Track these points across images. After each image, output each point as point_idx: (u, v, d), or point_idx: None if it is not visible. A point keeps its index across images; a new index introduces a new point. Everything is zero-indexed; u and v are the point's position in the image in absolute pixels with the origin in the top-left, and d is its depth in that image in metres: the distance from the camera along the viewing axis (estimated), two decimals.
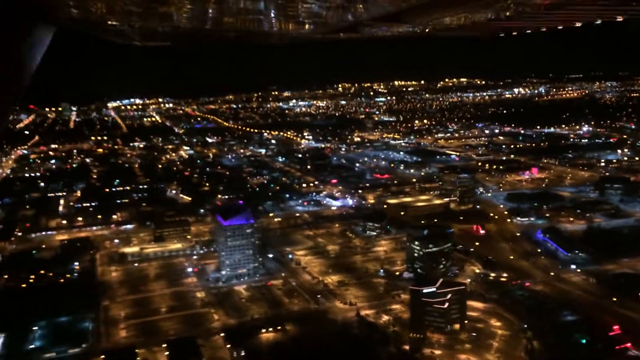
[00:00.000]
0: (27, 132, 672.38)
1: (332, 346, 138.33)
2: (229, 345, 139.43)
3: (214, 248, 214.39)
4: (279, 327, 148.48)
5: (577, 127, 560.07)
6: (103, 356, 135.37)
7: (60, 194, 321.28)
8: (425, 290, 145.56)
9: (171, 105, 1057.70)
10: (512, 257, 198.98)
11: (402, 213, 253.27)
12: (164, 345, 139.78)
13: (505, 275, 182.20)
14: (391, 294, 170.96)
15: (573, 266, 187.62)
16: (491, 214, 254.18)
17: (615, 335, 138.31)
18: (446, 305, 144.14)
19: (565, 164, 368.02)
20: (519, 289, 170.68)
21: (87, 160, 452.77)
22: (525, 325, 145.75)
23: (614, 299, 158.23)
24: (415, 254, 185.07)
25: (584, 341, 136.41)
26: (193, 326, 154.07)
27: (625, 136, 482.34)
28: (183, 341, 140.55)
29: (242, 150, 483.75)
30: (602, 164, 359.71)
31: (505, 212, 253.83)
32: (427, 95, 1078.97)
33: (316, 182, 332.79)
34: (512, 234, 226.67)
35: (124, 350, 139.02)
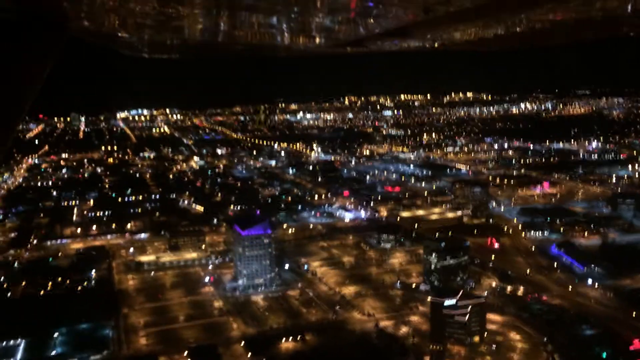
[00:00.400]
0: (37, 142, 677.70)
1: (353, 356, 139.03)
2: (250, 354, 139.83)
3: (229, 258, 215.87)
4: (298, 337, 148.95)
5: (586, 142, 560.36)
6: None
7: (74, 202, 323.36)
8: (446, 302, 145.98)
9: (179, 116, 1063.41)
10: (528, 271, 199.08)
11: (416, 226, 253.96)
12: (185, 353, 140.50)
13: (522, 288, 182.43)
14: (409, 305, 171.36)
15: (590, 281, 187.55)
16: (505, 228, 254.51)
17: (636, 350, 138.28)
18: (467, 317, 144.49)
19: (577, 179, 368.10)
20: (536, 302, 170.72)
21: (99, 170, 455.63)
22: (545, 339, 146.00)
23: (634, 314, 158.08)
24: (433, 266, 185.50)
25: (604, 355, 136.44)
26: (212, 334, 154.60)
27: (635, 152, 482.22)
28: (204, 349, 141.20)
29: (252, 162, 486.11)
30: (613, 180, 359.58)
31: (519, 226, 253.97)
32: (434, 109, 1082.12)
33: (328, 194, 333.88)
34: (526, 248, 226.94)
35: (145, 357, 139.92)
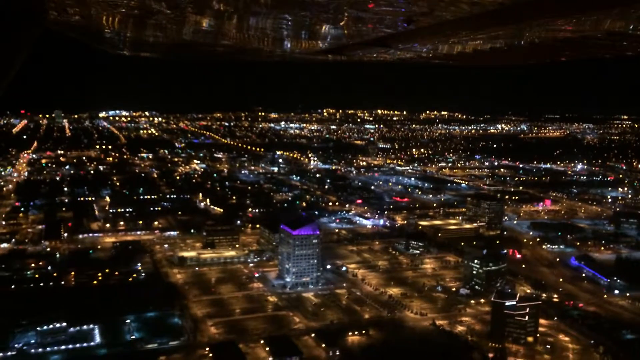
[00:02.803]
0: (24, 137, 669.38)
1: (420, 351, 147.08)
2: (324, 345, 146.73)
3: (267, 257, 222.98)
4: (363, 332, 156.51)
5: (572, 164, 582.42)
6: (208, 348, 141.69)
7: (90, 198, 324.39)
8: (507, 303, 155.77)
9: (160, 119, 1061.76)
10: (556, 280, 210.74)
11: (438, 235, 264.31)
12: (262, 342, 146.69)
13: (556, 296, 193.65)
14: (456, 307, 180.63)
15: (616, 291, 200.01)
16: (522, 240, 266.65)
17: None
18: (526, 318, 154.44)
19: (574, 198, 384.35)
20: (574, 308, 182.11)
21: (101, 168, 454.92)
22: (592, 341, 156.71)
23: None
24: (474, 272, 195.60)
25: None
26: (277, 327, 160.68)
27: (620, 175, 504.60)
28: (281, 339, 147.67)
29: (253, 167, 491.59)
30: (609, 200, 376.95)
31: (535, 240, 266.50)
32: (413, 125, 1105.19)
33: (342, 202, 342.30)
34: (547, 260, 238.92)
35: (225, 344, 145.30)
